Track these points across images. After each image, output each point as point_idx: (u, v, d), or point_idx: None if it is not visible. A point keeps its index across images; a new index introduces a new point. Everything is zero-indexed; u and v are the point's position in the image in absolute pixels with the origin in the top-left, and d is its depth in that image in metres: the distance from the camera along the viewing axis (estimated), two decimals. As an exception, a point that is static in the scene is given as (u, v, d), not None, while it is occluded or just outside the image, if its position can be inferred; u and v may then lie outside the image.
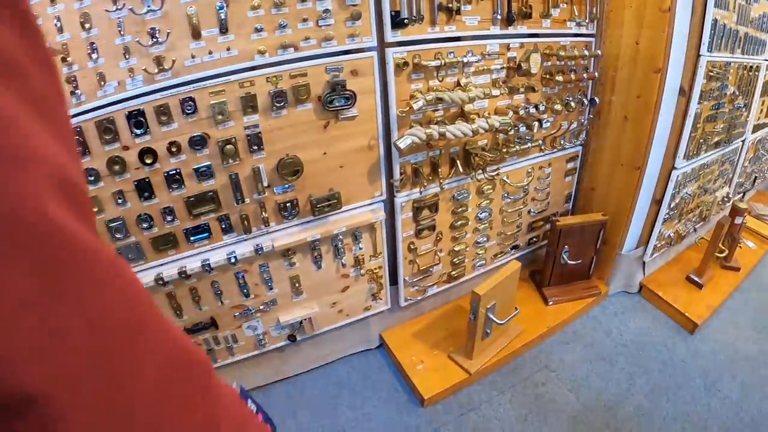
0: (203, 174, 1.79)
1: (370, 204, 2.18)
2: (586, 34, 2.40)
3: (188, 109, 1.68)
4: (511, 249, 2.92)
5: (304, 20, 1.73)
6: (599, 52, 2.42)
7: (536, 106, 2.40)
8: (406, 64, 1.93)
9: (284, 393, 2.39)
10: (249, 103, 1.76)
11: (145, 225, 1.79)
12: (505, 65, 2.25)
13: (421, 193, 2.21)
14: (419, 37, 1.94)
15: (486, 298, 2.19)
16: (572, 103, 2.46)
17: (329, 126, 1.92)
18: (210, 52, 1.65)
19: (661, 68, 2.24)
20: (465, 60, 2.06)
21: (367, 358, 2.61)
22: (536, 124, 2.45)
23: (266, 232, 2.00)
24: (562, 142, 2.72)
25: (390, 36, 1.87)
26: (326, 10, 1.72)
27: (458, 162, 2.28)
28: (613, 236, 2.75)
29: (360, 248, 2.25)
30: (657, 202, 2.66)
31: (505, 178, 2.61)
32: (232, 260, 1.94)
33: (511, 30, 2.16)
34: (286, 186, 1.94)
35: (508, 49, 2.23)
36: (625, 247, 2.77)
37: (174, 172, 1.74)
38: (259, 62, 1.73)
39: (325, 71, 1.82)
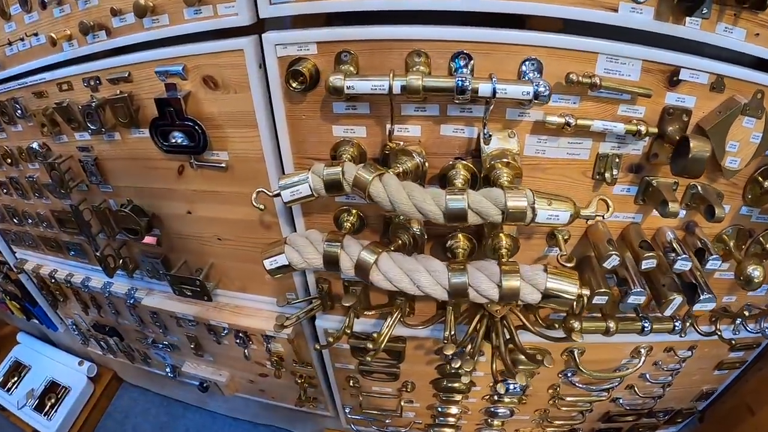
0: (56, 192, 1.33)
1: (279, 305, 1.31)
2: None
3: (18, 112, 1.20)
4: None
5: (110, -20, 0.87)
6: None
7: (703, 248, 0.98)
8: (304, 76, 0.81)
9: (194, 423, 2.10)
10: (68, 116, 1.11)
11: (29, 221, 1.53)
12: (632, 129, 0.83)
13: (349, 334, 1.14)
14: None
15: None
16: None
17: (185, 172, 1.09)
18: (22, 39, 1.07)
19: None
20: (505, 92, 0.73)
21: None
22: (674, 300, 0.96)
23: (140, 278, 1.46)
24: (739, 323, 1.22)
25: (268, 4, 0.80)
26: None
27: (449, 313, 1.07)
28: None
29: (273, 347, 1.46)
30: None
31: (575, 353, 1.23)
32: (106, 293, 1.53)
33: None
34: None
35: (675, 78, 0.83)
36: None
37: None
38: (70, 54, 1.02)
39: (155, 75, 0.96)
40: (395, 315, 1.08)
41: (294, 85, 0.81)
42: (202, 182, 1.09)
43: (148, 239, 1.29)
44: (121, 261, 1.38)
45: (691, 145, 0.79)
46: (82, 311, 1.78)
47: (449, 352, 0.98)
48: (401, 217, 0.95)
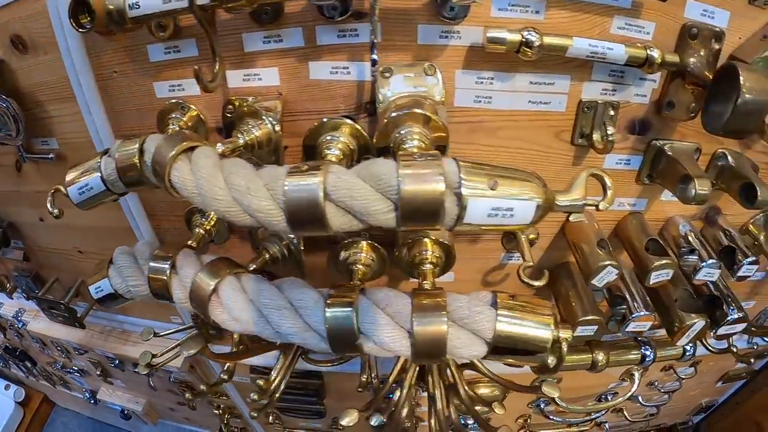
0: None
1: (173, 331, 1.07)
2: None
3: None
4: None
5: None
6: None
7: (732, 246, 0.74)
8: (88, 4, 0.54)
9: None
10: None
11: None
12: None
13: (226, 380, 0.89)
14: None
15: None
16: None
17: (23, 168, 0.87)
18: None
19: None
20: None
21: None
22: (693, 326, 0.74)
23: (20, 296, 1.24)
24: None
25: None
26: None
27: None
28: None
29: (176, 376, 1.23)
30: None
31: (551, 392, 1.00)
32: (-7, 313, 1.31)
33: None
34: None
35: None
36: None
37: None
38: None
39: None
40: (290, 356, 0.83)
41: (83, 21, 0.56)
42: (42, 181, 0.86)
43: (13, 253, 1.07)
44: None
45: (742, 79, 0.50)
46: (-11, 332, 1.57)
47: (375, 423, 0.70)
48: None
